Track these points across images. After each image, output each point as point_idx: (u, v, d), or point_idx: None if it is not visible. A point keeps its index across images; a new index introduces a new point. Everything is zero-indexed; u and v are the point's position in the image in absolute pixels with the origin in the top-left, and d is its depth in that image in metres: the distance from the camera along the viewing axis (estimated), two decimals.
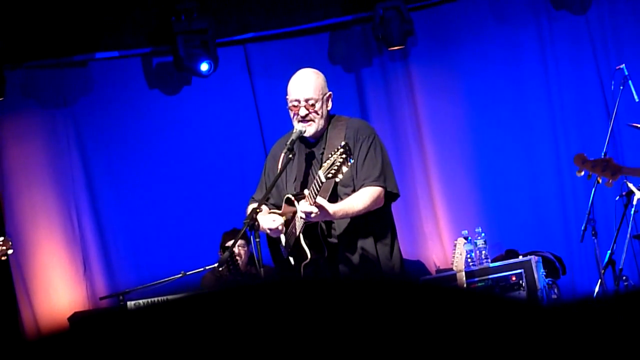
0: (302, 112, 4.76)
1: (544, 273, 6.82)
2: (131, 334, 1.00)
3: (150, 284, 6.88)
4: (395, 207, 5.00)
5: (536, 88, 8.15)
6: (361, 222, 4.72)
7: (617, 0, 8.00)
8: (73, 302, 7.94)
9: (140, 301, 6.76)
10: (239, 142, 8.42)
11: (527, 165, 8.17)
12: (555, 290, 6.97)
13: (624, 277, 6.42)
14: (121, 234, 8.22)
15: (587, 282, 7.65)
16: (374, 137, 4.81)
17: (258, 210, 4.70)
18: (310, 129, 4.78)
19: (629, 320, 1.05)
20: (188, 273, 6.86)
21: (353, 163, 4.52)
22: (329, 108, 4.85)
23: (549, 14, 8.12)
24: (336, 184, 4.64)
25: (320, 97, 4.79)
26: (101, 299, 7.55)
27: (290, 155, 4.75)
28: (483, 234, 6.99)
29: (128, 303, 6.76)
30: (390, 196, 4.82)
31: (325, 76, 4.94)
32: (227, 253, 5.54)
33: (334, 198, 4.68)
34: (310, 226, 4.66)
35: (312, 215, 4.45)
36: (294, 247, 4.76)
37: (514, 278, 6.69)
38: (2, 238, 6.10)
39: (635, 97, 6.89)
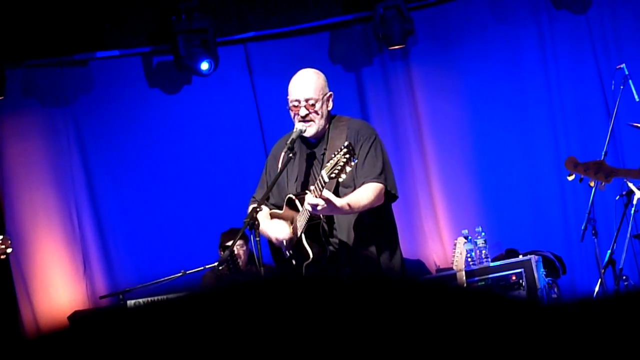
0: (302, 112, 4.76)
1: (544, 272, 6.82)
2: (131, 332, 1.00)
3: (150, 283, 6.88)
4: (395, 206, 5.00)
5: (536, 87, 8.15)
6: (363, 222, 4.73)
7: None
8: (73, 301, 7.94)
9: (140, 300, 6.76)
10: (239, 142, 8.42)
11: (527, 164, 8.16)
12: (555, 290, 6.97)
13: (624, 277, 6.42)
14: (121, 232, 8.22)
15: (587, 282, 7.64)
16: (374, 138, 4.82)
17: (258, 209, 4.71)
18: (310, 129, 4.78)
19: (628, 320, 1.05)
20: (188, 272, 6.86)
21: (354, 163, 4.53)
22: (329, 108, 4.85)
23: (549, 13, 8.12)
24: (338, 183, 4.65)
25: (321, 97, 4.79)
26: (101, 297, 7.55)
27: (291, 155, 4.75)
28: (483, 233, 6.99)
29: (128, 302, 6.76)
30: (389, 197, 4.82)
31: (326, 76, 4.94)
32: (227, 252, 5.54)
33: None
34: (312, 226, 4.67)
35: (319, 207, 4.45)
36: (296, 246, 4.77)
37: (514, 277, 6.69)
38: (1, 237, 6.09)
39: (636, 96, 6.88)
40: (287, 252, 4.84)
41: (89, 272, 8.11)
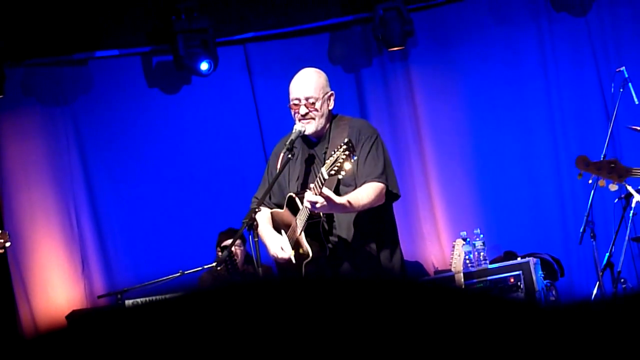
0: (302, 110, 4.76)
1: (542, 275, 6.82)
2: (129, 332, 1.00)
3: (148, 283, 6.88)
4: (394, 207, 5.00)
5: (536, 90, 8.15)
6: (363, 221, 4.73)
7: (617, 2, 8.00)
8: (71, 301, 7.94)
9: (138, 300, 6.76)
10: (238, 142, 8.42)
11: (526, 167, 8.17)
12: (554, 292, 6.97)
13: (622, 280, 6.41)
14: (120, 232, 8.22)
15: (586, 285, 7.65)
16: (376, 137, 4.81)
17: (257, 210, 4.71)
18: (309, 127, 4.78)
19: (626, 323, 1.05)
20: (186, 272, 6.86)
21: (355, 161, 4.52)
22: (330, 107, 4.84)
23: (549, 15, 8.12)
24: (339, 181, 4.64)
25: (321, 95, 4.79)
26: (99, 297, 7.55)
27: (290, 155, 4.75)
28: (482, 235, 6.99)
29: (126, 301, 6.76)
30: (390, 196, 4.82)
31: None
32: (225, 252, 5.54)
33: None
34: (312, 224, 4.66)
35: (318, 205, 4.45)
36: (295, 245, 4.77)
37: (512, 280, 6.69)
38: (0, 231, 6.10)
39: (635, 99, 6.89)
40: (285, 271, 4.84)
41: (87, 272, 8.11)
